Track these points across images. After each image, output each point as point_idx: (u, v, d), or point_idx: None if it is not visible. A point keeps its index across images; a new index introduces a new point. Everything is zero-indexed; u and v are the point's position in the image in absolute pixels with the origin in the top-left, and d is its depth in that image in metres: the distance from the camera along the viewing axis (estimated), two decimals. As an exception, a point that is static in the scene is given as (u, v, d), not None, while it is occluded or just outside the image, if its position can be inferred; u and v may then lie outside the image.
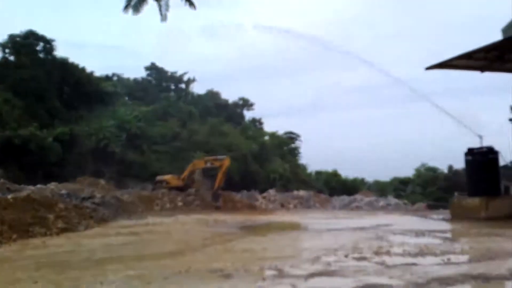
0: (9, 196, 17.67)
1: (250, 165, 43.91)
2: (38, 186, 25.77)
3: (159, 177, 33.34)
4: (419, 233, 15.05)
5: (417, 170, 59.95)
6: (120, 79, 53.64)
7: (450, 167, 54.91)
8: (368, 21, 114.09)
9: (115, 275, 8.34)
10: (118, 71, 53.89)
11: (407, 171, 61.12)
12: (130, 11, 13.48)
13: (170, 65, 68.86)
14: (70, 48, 74.43)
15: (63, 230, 15.84)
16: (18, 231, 14.23)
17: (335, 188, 49.79)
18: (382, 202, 34.28)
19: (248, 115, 61.48)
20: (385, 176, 63.18)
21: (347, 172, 58.03)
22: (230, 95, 61.65)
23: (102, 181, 30.92)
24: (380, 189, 55.24)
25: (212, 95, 58.39)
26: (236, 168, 38.49)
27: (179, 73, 58.86)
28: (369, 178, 62.89)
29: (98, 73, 48.83)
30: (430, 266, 8.79)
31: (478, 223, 18.11)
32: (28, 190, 23.37)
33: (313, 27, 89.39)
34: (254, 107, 61.90)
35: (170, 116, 47.07)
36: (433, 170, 58.52)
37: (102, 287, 7.32)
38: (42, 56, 42.51)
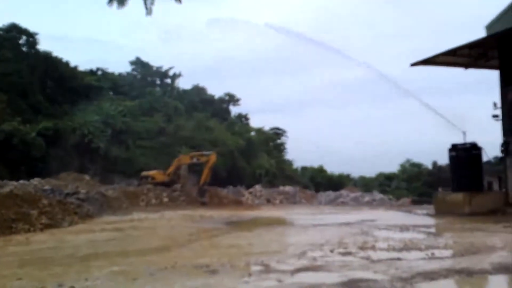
0: (-8, 192, 17.44)
1: (236, 160, 43.91)
2: (21, 181, 25.49)
3: (144, 173, 33.15)
4: (404, 228, 15.18)
5: (402, 165, 60.69)
6: (105, 73, 53.00)
7: (435, 163, 55.65)
8: (357, 17, 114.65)
9: (100, 271, 8.27)
10: (102, 65, 53.28)
11: (392, 167, 61.85)
12: (115, 4, 13.30)
13: (155, 60, 68.45)
14: (53, 42, 73.39)
15: (47, 226, 15.69)
16: (0, 228, 14.06)
17: (321, 183, 50.12)
18: (367, 198, 34.52)
19: (234, 110, 61.47)
20: (370, 171, 63.80)
21: (333, 168, 58.55)
22: (216, 90, 61.54)
23: (87, 177, 30.69)
24: (366, 184, 55.72)
25: (198, 90, 58.11)
26: (222, 164, 38.45)
27: (164, 68, 58.51)
28: (355, 173, 63.41)
29: (82, 67, 48.33)
30: (415, 261, 8.87)
31: (462, 218, 18.33)
32: (11, 185, 23.12)
33: (301, 23, 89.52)
34: (240, 102, 61.87)
35: (155, 111, 46.73)
36: (417, 166, 59.27)
37: (87, 283, 7.25)
38: (25, 50, 41.93)
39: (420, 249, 10.30)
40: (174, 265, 8.54)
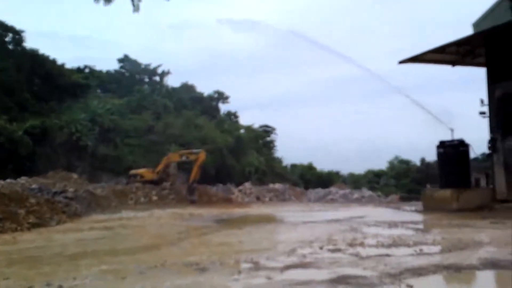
0: (-22, 191, 17.23)
1: (226, 158, 43.85)
2: (8, 180, 25.22)
3: (133, 171, 32.98)
4: (392, 225, 15.28)
5: (391, 162, 61.18)
6: (92, 71, 52.62)
7: (423, 160, 56.15)
8: (344, 15, 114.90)
9: (89, 270, 8.21)
10: (90, 63, 52.89)
11: (381, 164, 62.26)
12: (101, 1, 13.14)
13: (143, 58, 68.11)
14: (39, 39, 72.60)
15: (35, 225, 15.53)
16: (-13, 227, 13.90)
17: (310, 181, 50.22)
18: (356, 195, 34.70)
19: (223, 108, 61.39)
20: (359, 169, 64.13)
21: (322, 165, 58.70)
22: (205, 88, 61.38)
23: (75, 175, 30.41)
24: (355, 181, 56.02)
25: (187, 88, 57.92)
26: (211, 162, 38.38)
27: (153, 65, 58.23)
28: (344, 171, 63.67)
29: (69, 64, 47.96)
30: (403, 257, 8.92)
31: (450, 215, 18.48)
32: (-3, 184, 22.83)
33: (289, 19, 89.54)
34: (229, 100, 61.81)
35: (144, 109, 46.49)
36: (406, 162, 59.76)
37: (75, 282, 7.19)
38: (11, 47, 41.42)
39: (408, 245, 10.37)
40: (164, 263, 8.50)
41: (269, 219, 20.58)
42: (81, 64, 51.83)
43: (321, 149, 77.44)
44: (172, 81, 60.05)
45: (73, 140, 36.69)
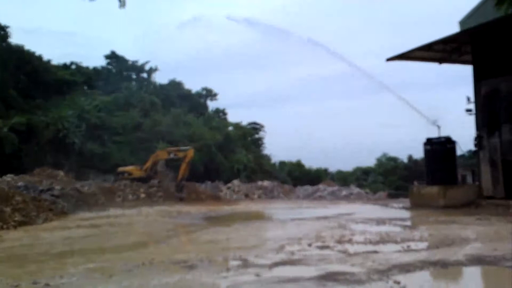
0: (-38, 189, 17.01)
1: (214, 155, 43.73)
2: (-6, 178, 24.89)
3: (120, 168, 32.73)
4: (380, 222, 15.38)
5: (379, 160, 61.58)
6: (79, 67, 52.05)
7: (410, 157, 56.64)
8: (331, 12, 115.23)
9: (76, 268, 8.14)
10: (76, 59, 52.48)
11: (369, 161, 62.61)
12: (86, -3, 12.95)
13: (131, 55, 67.63)
14: (24, 35, 71.70)
15: (21, 223, 15.39)
16: (-28, 225, 13.72)
17: (299, 178, 50.28)
18: (344, 192, 34.79)
19: (211, 105, 61.14)
20: (347, 166, 64.37)
21: (311, 162, 58.75)
22: (193, 85, 61.11)
23: (61, 173, 30.08)
24: (343, 178, 56.24)
25: (175, 85, 57.56)
26: (200, 159, 38.26)
27: (140, 62, 57.80)
28: (332, 168, 63.84)
29: (55, 61, 47.29)
30: (391, 253, 8.99)
31: (436, 211, 18.65)
32: (-18, 182, 22.56)
33: (274, 16, 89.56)
34: (217, 97, 61.58)
35: (131, 106, 46.10)
36: (393, 159, 60.20)
37: (62, 280, 7.13)
38: (-4, 43, 40.84)
39: (396, 242, 10.45)
40: (152, 261, 8.47)
41: (258, 216, 20.60)
42: (67, 60, 51.35)
43: (309, 147, 77.57)
44: (160, 78, 59.68)
45: (59, 137, 36.31)
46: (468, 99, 22.45)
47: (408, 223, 15.84)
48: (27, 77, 41.56)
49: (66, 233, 13.78)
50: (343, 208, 22.98)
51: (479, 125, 21.74)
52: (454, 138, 22.45)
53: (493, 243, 9.99)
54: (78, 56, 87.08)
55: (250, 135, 57.31)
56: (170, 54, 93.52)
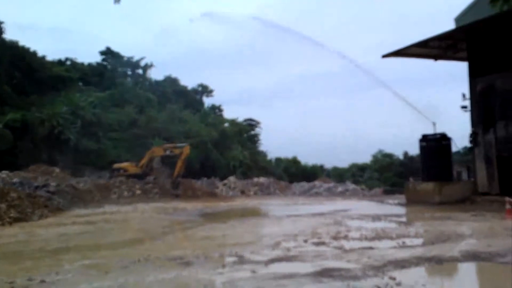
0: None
1: (210, 152, 43.69)
2: (-11, 175, 24.79)
3: (116, 165, 32.66)
4: (376, 218, 15.43)
5: (374, 156, 61.59)
6: (74, 63, 51.81)
7: (406, 153, 56.70)
8: (326, 8, 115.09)
9: (71, 265, 8.12)
10: (71, 55, 52.02)
11: (365, 158, 62.63)
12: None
13: (126, 51, 67.22)
14: (18, 30, 71.13)
15: (16, 220, 15.33)
16: (-33, 222, 13.66)
17: (295, 174, 50.26)
18: (340, 188, 34.87)
19: (207, 101, 61.11)
20: (343, 162, 64.34)
21: (306, 159, 58.70)
22: (189, 81, 60.95)
23: (57, 169, 30.01)
24: (339, 175, 56.24)
25: (171, 81, 57.50)
26: (196, 155, 38.21)
27: (136, 58, 57.59)
28: (328, 164, 63.86)
29: (50, 57, 47.03)
30: (386, 250, 9.02)
31: (432, 207, 18.73)
32: (-23, 179, 22.47)
33: (269, 13, 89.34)
34: (213, 93, 61.52)
35: (127, 103, 45.97)
36: (389, 156, 60.24)
37: (58, 277, 7.11)
38: (-10, 39, 40.56)
39: (391, 238, 10.49)
40: (147, 257, 8.46)
41: (254, 213, 20.61)
42: (61, 56, 51.07)
43: (305, 143, 77.56)
44: (156, 74, 59.51)
45: (55, 133, 36.14)
46: (464, 95, 22.51)
47: (404, 219, 15.90)
48: (22, 73, 41.34)
49: (61, 230, 13.75)
50: (339, 204, 23.04)
51: (475, 122, 21.81)
52: (449, 134, 22.58)
53: (488, 239, 10.04)
54: (72, 52, 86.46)
55: (246, 131, 57.29)
56: (165, 51, 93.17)
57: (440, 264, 7.74)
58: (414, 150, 37.40)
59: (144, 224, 15.97)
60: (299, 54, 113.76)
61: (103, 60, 55.85)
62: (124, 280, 6.83)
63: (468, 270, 7.88)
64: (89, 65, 53.64)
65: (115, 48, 56.06)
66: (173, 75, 58.48)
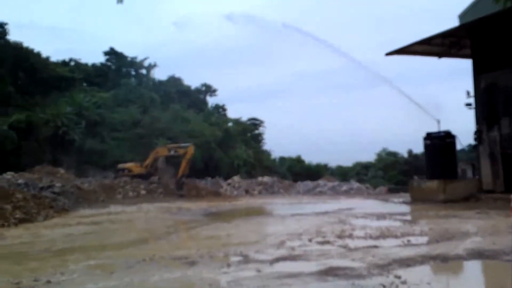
0: (-38, 187, 17.02)
1: (214, 152, 43.71)
2: (-6, 176, 24.88)
3: (120, 165, 32.73)
4: (380, 216, 15.40)
5: (378, 154, 61.42)
6: (78, 64, 51.96)
7: (410, 151, 56.57)
8: (329, 7, 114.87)
9: (77, 265, 8.15)
10: (72, 55, 52.23)
11: (369, 156, 62.47)
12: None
13: (129, 50, 67.41)
14: (19, 30, 70.99)
15: (22, 221, 15.41)
16: (-27, 223, 13.74)
17: (299, 173, 50.20)
18: (344, 187, 34.85)
19: (211, 101, 61.07)
20: (347, 161, 64.19)
21: (311, 157, 58.66)
22: (192, 81, 60.90)
23: (61, 170, 30.08)
24: (343, 174, 56.12)
25: (174, 81, 57.50)
26: (200, 155, 38.23)
27: (139, 58, 57.66)
28: (332, 163, 63.74)
29: (53, 57, 47.20)
30: (391, 248, 9.01)
31: (437, 206, 18.68)
32: (-18, 180, 22.56)
33: (270, 11, 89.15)
34: (217, 93, 61.49)
35: (130, 103, 46.04)
36: (393, 154, 60.06)
37: (63, 277, 7.14)
38: (-6, 40, 40.74)
39: (396, 237, 10.47)
40: (153, 257, 8.48)
41: (258, 212, 20.62)
42: (63, 56, 51.21)
43: (309, 142, 77.49)
44: (159, 74, 59.51)
45: (59, 134, 36.26)
46: (468, 93, 22.43)
47: (408, 217, 15.86)
48: (26, 74, 41.50)
49: (66, 230, 13.80)
50: (343, 203, 23.01)
51: (479, 119, 21.74)
52: (454, 132, 22.49)
53: (493, 237, 10.01)
54: (73, 52, 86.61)
55: (250, 130, 57.24)
56: (168, 50, 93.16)
57: (445, 262, 7.72)
58: (419, 148, 37.32)
59: (148, 224, 16.01)
60: (301, 52, 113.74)
61: (107, 60, 55.97)
62: (129, 280, 6.85)
63: (473, 268, 7.86)
64: (93, 65, 53.77)
65: (116, 47, 56.21)
66: (177, 75, 58.61)
